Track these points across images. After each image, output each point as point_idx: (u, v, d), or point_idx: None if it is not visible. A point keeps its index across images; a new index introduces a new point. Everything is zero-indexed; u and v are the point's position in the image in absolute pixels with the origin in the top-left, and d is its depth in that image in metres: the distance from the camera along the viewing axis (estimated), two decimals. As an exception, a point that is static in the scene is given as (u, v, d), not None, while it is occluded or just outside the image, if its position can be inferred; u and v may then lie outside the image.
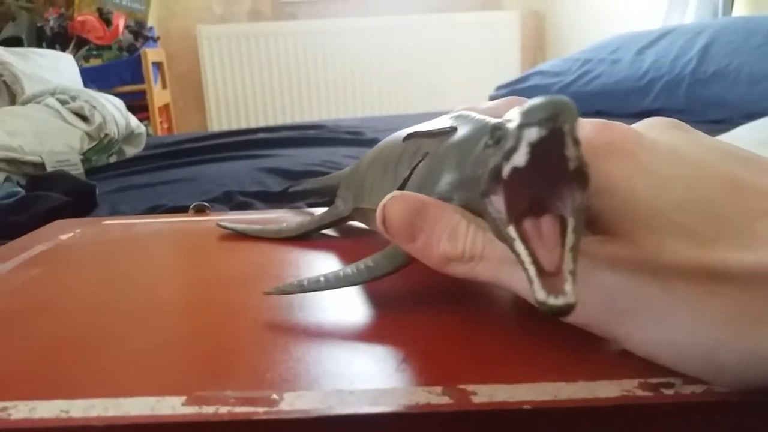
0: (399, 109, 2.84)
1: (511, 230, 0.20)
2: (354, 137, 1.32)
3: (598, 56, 1.60)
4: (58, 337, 0.28)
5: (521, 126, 0.18)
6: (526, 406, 0.20)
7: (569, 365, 0.23)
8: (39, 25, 2.32)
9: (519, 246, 0.19)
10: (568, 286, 0.18)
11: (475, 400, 0.21)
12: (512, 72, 2.80)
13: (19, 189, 0.82)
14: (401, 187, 0.31)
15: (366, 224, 0.40)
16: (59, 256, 0.41)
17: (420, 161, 0.30)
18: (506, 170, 0.19)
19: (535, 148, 0.18)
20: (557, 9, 3.00)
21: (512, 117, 0.20)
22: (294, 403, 0.21)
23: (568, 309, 0.17)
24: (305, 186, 0.54)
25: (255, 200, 0.81)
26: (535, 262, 0.19)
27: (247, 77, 2.89)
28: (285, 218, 0.49)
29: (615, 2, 2.49)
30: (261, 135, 1.37)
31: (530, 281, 0.18)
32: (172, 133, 2.52)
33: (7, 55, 1.25)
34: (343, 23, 2.91)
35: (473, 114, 0.28)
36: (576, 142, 0.18)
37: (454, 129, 0.29)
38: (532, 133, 0.18)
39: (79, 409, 0.21)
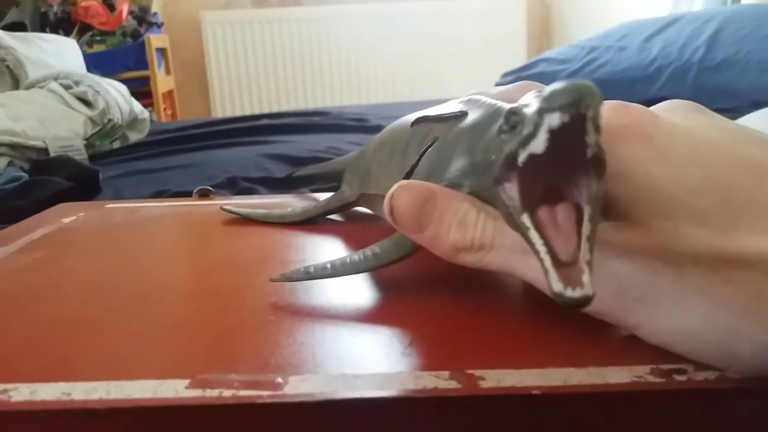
0: (404, 96, 2.82)
1: (526, 219, 0.19)
2: (359, 124, 1.31)
3: (605, 44, 1.59)
4: (59, 319, 0.27)
5: (542, 111, 0.18)
6: (535, 392, 0.20)
7: (578, 351, 0.22)
8: (42, 10, 2.30)
9: (533, 235, 0.19)
10: (585, 278, 0.17)
11: (483, 384, 0.20)
12: (518, 59, 2.78)
13: (23, 174, 0.82)
14: (409, 173, 0.31)
15: (372, 210, 0.40)
16: (62, 239, 0.41)
17: (429, 146, 0.30)
18: (522, 157, 0.19)
19: (556, 134, 0.17)
20: (563, -4, 2.97)
21: (529, 102, 0.20)
22: (298, 387, 0.21)
23: (585, 301, 0.17)
24: (310, 171, 0.54)
25: (259, 186, 0.81)
26: (551, 252, 0.18)
27: (252, 64, 2.88)
28: (289, 203, 0.48)
29: (622, -10, 2.47)
30: (265, 121, 1.37)
31: (545, 272, 0.18)
32: (176, 120, 2.51)
33: (10, 39, 1.24)
34: (347, 9, 2.89)
35: (484, 98, 0.28)
36: (597, 128, 0.18)
37: (464, 113, 0.28)
38: (554, 119, 0.17)
39: (81, 391, 0.21)
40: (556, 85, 0.17)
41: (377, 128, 1.25)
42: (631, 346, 0.22)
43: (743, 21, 1.38)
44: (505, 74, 1.77)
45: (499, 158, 0.21)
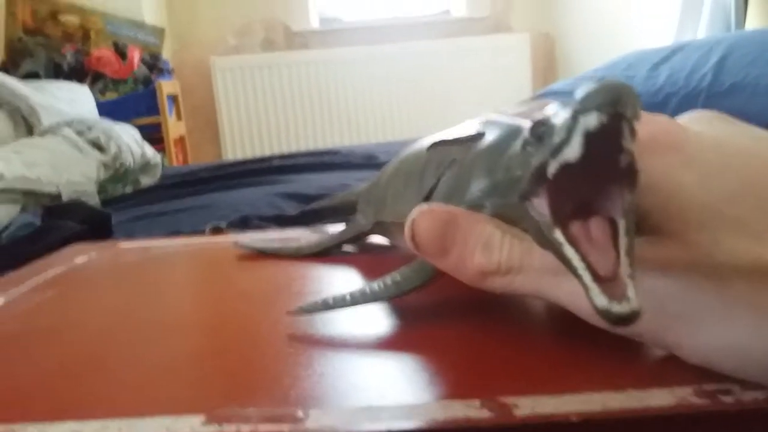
0: (411, 134, 2.83)
1: (558, 234, 0.18)
2: (368, 162, 1.31)
3: (612, 74, 1.59)
4: (70, 357, 0.26)
5: (576, 113, 0.16)
6: (573, 418, 0.19)
7: (614, 373, 0.21)
8: (56, 60, 2.35)
9: (569, 251, 0.18)
10: (630, 292, 0.16)
11: (518, 412, 0.19)
12: (524, 93, 2.80)
13: (35, 221, 0.82)
14: (427, 197, 0.30)
15: (388, 238, 0.39)
16: (74, 278, 0.40)
17: (447, 169, 0.29)
18: (553, 167, 0.18)
19: (592, 137, 0.16)
20: (567, 31, 3.00)
21: (556, 111, 0.19)
22: (321, 420, 0.19)
23: (633, 316, 0.16)
24: (321, 204, 0.53)
25: (272, 224, 0.80)
26: (590, 267, 0.17)
27: (261, 107, 2.91)
28: (303, 236, 0.48)
29: (624, 23, 2.49)
30: (276, 162, 1.37)
31: (586, 288, 0.17)
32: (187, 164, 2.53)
33: (23, 87, 1.27)
34: (354, 51, 2.93)
35: (501, 117, 0.27)
36: (633, 133, 0.17)
37: (481, 134, 0.27)
38: (590, 120, 0.16)
39: (92, 430, 0.20)
40: (590, 86, 0.16)
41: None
42: (669, 366, 0.21)
43: (749, 46, 1.38)
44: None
45: (526, 173, 0.20)
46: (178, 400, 0.21)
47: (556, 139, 0.17)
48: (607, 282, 0.17)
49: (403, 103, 2.96)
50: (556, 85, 1.76)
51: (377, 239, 0.41)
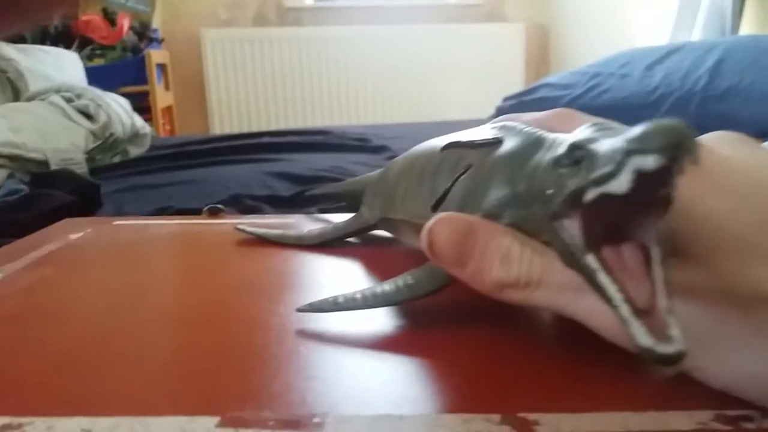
0: (402, 117, 2.82)
1: (591, 260, 0.17)
2: (361, 144, 1.30)
3: (607, 70, 1.59)
4: (75, 345, 0.26)
5: (629, 152, 0.16)
6: (596, 439, 0.19)
7: (634, 392, 0.21)
8: (43, 24, 2.30)
9: (604, 279, 0.17)
10: (673, 331, 0.16)
11: (540, 430, 0.19)
12: (516, 84, 2.79)
13: (23, 186, 0.80)
14: (441, 200, 0.29)
15: (394, 234, 0.38)
16: (70, 257, 0.39)
17: (462, 173, 0.28)
18: (592, 194, 0.17)
19: (643, 177, 0.16)
20: (562, 23, 3.00)
21: (594, 137, 0.18)
22: (339, 429, 0.19)
23: (679, 357, 0.15)
24: (325, 190, 0.52)
25: (264, 204, 0.80)
26: (628, 299, 0.16)
27: (251, 82, 2.88)
28: (303, 224, 0.47)
29: (620, 18, 2.49)
30: (266, 139, 1.36)
31: (625, 323, 0.16)
32: (174, 135, 2.50)
33: (11, 50, 1.23)
34: (347, 31, 2.90)
35: (520, 125, 0.26)
36: (682, 173, 0.16)
37: (499, 140, 0.27)
38: (647, 162, 0.15)
39: (103, 428, 0.19)
40: (650, 126, 0.16)
41: (381, 149, 1.25)
42: (690, 388, 0.21)
43: (745, 51, 1.38)
44: (507, 98, 1.77)
45: (558, 192, 0.19)
46: (191, 399, 0.21)
47: (605, 169, 0.17)
48: (645, 315, 0.16)
49: (393, 85, 2.94)
50: (552, 78, 1.76)
51: (380, 232, 0.41)
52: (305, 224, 0.47)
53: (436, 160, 0.32)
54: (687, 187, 0.20)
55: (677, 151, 0.15)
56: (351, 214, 0.42)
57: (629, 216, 0.18)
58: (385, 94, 2.95)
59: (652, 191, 0.16)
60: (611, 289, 0.17)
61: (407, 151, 0.38)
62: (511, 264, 0.22)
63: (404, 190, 0.34)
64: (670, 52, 1.54)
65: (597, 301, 0.18)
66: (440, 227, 0.23)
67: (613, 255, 0.18)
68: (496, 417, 0.20)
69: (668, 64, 1.49)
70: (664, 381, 0.22)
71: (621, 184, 0.16)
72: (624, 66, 1.58)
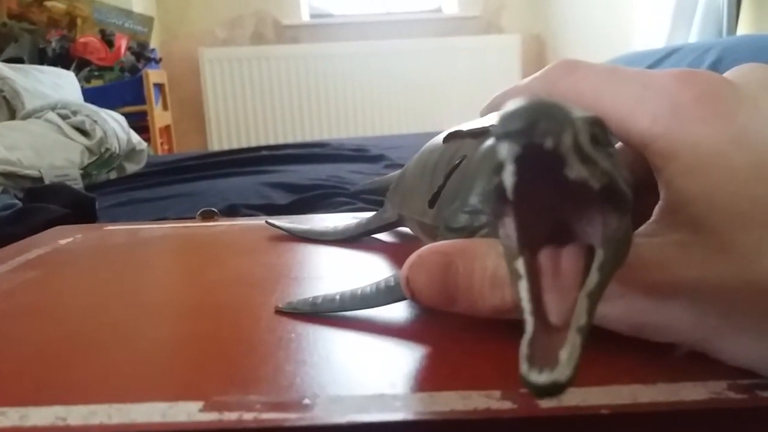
0: (400, 131, 2.82)
1: (520, 264, 0.15)
2: (359, 154, 1.30)
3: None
4: (54, 337, 0.25)
5: (498, 137, 0.13)
6: (603, 411, 0.17)
7: (643, 365, 0.20)
8: (41, 46, 2.31)
9: (522, 287, 0.14)
10: (564, 353, 0.13)
11: (543, 404, 0.18)
12: (514, 94, 2.79)
13: (16, 201, 0.79)
14: (434, 198, 0.28)
15: (412, 230, 0.37)
16: (58, 260, 0.38)
17: (456, 166, 0.27)
18: (492, 188, 0.14)
19: (521, 166, 0.13)
20: (558, 33, 3.01)
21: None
22: (329, 408, 0.18)
23: (553, 389, 0.12)
24: (373, 185, 0.52)
25: (260, 213, 0.79)
26: (537, 313, 0.14)
27: (249, 100, 2.88)
28: (330, 222, 0.46)
29: (615, 26, 2.50)
30: (264, 152, 1.35)
31: (522, 339, 0.13)
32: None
33: (7, 70, 1.23)
34: (344, 47, 2.92)
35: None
36: (585, 158, 0.13)
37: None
38: (512, 149, 0.13)
39: (79, 416, 0.18)
40: (513, 104, 0.13)
41: (379, 157, 1.24)
42: (702, 360, 0.19)
43: (742, 51, 1.38)
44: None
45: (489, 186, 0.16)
46: (172, 385, 0.20)
47: (496, 158, 0.14)
48: (554, 332, 0.14)
49: (392, 100, 2.95)
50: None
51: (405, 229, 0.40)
52: (331, 223, 0.46)
53: (437, 154, 0.30)
54: (705, 134, 0.17)
55: (531, 136, 0.12)
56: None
57: (569, 212, 0.16)
58: (383, 108, 2.96)
59: (552, 183, 0.14)
60: (524, 299, 0.14)
61: (408, 158, 0.37)
62: (502, 288, 0.19)
63: (411, 185, 0.33)
64: (667, 54, 1.54)
65: (603, 305, 0.16)
66: (415, 274, 0.20)
67: (550, 259, 0.15)
68: (496, 393, 0.18)
69: (666, 67, 1.48)
70: (672, 352, 0.21)
71: (508, 175, 0.13)
72: (621, 70, 1.57)
